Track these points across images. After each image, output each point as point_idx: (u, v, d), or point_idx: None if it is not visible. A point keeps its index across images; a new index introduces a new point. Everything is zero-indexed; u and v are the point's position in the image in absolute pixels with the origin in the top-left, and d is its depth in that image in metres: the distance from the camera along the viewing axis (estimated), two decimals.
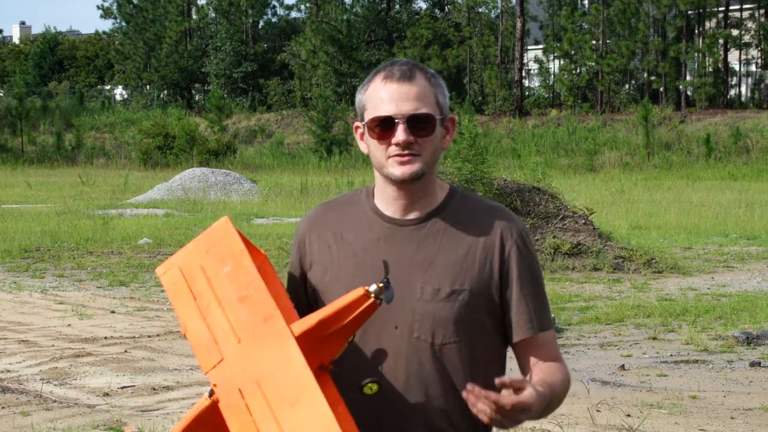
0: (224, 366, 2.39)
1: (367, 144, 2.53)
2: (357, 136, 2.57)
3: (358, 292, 2.35)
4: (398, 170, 2.47)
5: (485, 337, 2.53)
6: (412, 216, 2.54)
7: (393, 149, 2.46)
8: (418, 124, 2.46)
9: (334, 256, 2.57)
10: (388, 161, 2.47)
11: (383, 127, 2.46)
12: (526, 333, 2.53)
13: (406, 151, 2.45)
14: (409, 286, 2.49)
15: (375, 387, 2.45)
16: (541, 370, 2.52)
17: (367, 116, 2.50)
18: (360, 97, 2.54)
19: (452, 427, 2.52)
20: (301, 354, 2.32)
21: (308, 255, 2.62)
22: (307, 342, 2.35)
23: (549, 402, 2.45)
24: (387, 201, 2.56)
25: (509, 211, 2.60)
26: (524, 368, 2.57)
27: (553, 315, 2.73)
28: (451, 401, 2.51)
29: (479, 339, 2.53)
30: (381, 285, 2.36)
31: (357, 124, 2.56)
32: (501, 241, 2.53)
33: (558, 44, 50.85)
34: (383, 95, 2.47)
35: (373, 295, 2.35)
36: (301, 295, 2.62)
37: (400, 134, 2.44)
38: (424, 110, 2.46)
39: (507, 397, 2.30)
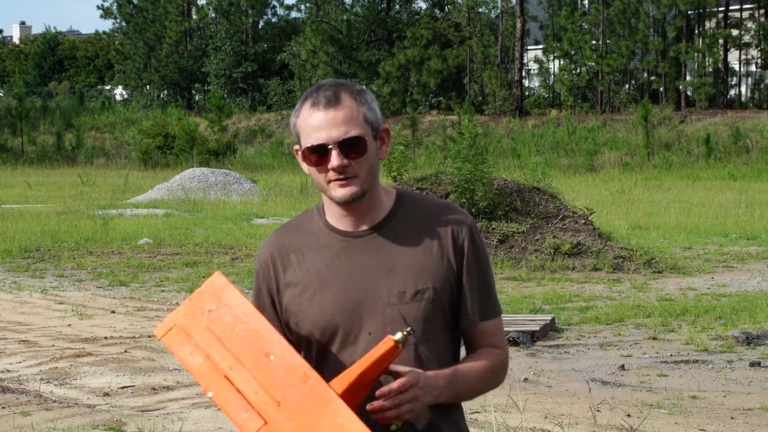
0: (271, 430, 2.39)
1: (307, 168, 2.64)
2: (298, 158, 2.65)
3: (388, 344, 2.44)
4: (339, 192, 2.58)
5: (446, 328, 2.67)
6: (364, 227, 2.65)
7: (332, 174, 2.57)
8: (350, 147, 2.55)
9: (299, 276, 2.67)
10: (329, 185, 2.59)
11: (318, 154, 2.56)
12: (471, 323, 2.67)
13: (342, 175, 2.56)
14: (376, 292, 2.61)
15: (399, 423, 2.52)
16: (473, 355, 2.69)
17: (302, 144, 2.60)
18: (293, 123, 2.63)
19: (431, 428, 2.62)
20: (356, 416, 2.36)
21: (274, 281, 2.71)
22: (346, 397, 2.41)
23: (456, 382, 2.59)
24: (338, 217, 2.66)
25: (458, 207, 2.71)
26: (468, 352, 2.73)
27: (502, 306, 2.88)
28: (426, 415, 2.61)
29: (442, 330, 2.66)
30: (405, 333, 2.46)
31: (296, 147, 2.65)
32: (453, 236, 2.64)
33: (558, 44, 50.84)
34: (313, 123, 2.57)
35: (401, 344, 2.45)
36: (276, 323, 2.68)
37: (334, 159, 2.54)
38: (353, 133, 2.55)
39: (386, 387, 2.47)
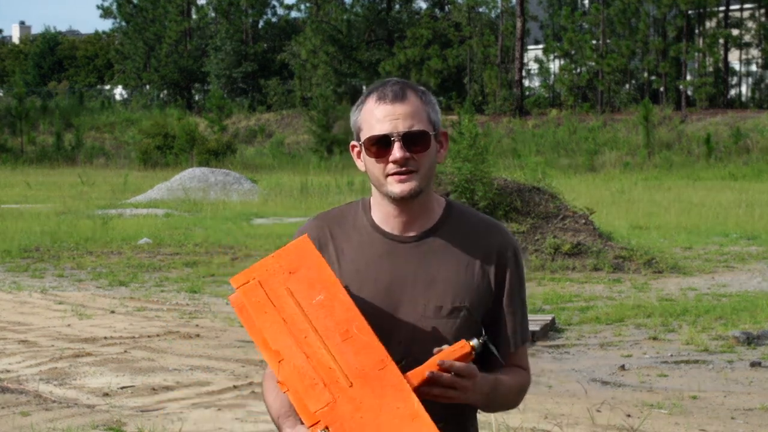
0: (338, 410, 2.32)
1: (364, 162, 2.60)
2: (354, 155, 2.63)
3: (465, 348, 2.41)
4: (397, 188, 2.53)
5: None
6: (412, 233, 2.61)
7: (391, 167, 2.53)
8: (413, 140, 2.53)
9: (337, 272, 2.58)
10: (387, 179, 2.54)
11: (380, 145, 2.54)
12: (509, 346, 2.66)
13: (403, 168, 2.52)
14: (413, 303, 2.56)
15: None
16: (506, 371, 2.65)
17: (363, 136, 2.57)
18: (354, 118, 2.61)
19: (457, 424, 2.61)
20: (425, 412, 2.31)
21: None
22: (418, 393, 2.36)
23: (496, 391, 2.57)
24: (386, 217, 2.61)
25: (505, 228, 2.69)
26: (488, 370, 2.69)
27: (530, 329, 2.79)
28: (439, 411, 2.54)
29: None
30: (482, 341, 2.44)
31: (353, 143, 2.62)
32: (498, 259, 2.62)
33: (558, 44, 50.85)
34: (378, 115, 2.55)
35: (476, 350, 2.42)
36: None
37: (396, 151, 2.51)
38: (417, 127, 2.54)
39: (449, 362, 2.43)
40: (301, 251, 2.47)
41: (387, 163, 2.53)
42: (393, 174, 2.53)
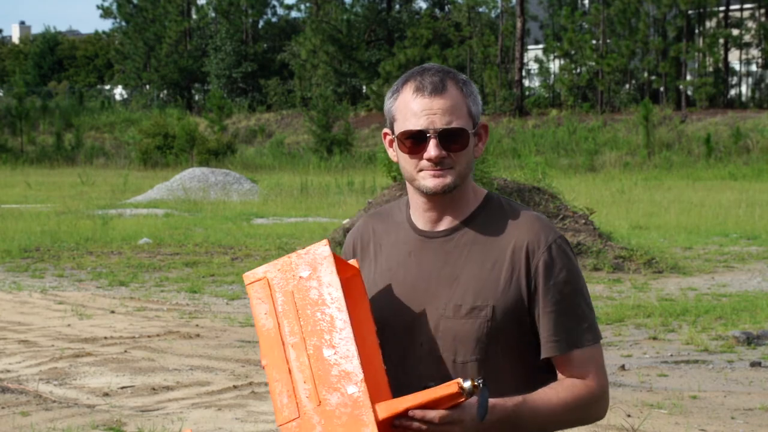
0: (300, 427, 2.30)
1: (397, 155, 2.50)
2: (386, 143, 2.54)
3: (452, 388, 2.25)
4: (430, 182, 2.43)
5: (511, 353, 2.47)
6: (442, 227, 2.50)
7: (425, 163, 2.42)
8: (450, 138, 2.41)
9: (373, 270, 2.56)
10: (420, 174, 2.43)
11: (415, 140, 2.42)
12: (550, 351, 2.46)
13: (438, 167, 2.41)
14: (435, 302, 2.46)
15: None
16: (552, 386, 2.45)
17: (398, 128, 2.45)
18: (389, 105, 2.49)
19: None
20: None
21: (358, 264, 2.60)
22: (385, 424, 2.27)
23: (521, 417, 2.38)
24: (419, 212, 2.52)
25: (544, 219, 2.50)
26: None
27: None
28: None
29: (504, 355, 2.46)
30: (476, 384, 2.25)
31: (386, 130, 2.52)
32: (527, 253, 2.44)
33: (558, 44, 50.85)
34: (414, 108, 2.42)
35: (466, 394, 2.25)
36: None
37: (432, 149, 2.40)
38: (456, 124, 2.41)
39: (420, 412, 2.27)
40: (316, 257, 2.40)
41: (421, 159, 2.42)
42: (427, 170, 2.42)
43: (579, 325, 2.46)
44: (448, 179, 2.41)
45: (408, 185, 2.51)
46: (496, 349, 2.44)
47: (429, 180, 2.42)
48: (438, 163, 2.40)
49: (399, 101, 2.45)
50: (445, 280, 2.46)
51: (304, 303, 2.37)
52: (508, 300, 2.43)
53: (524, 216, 2.49)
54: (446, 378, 2.39)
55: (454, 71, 2.47)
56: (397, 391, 2.38)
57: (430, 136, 2.40)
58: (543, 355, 2.46)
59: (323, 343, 2.33)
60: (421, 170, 2.42)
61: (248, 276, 2.45)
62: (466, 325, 2.43)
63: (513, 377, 2.47)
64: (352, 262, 2.56)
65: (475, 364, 2.44)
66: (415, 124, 2.41)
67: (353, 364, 2.29)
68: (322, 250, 2.41)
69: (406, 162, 2.45)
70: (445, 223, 2.50)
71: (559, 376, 2.48)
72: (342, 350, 2.31)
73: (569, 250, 2.49)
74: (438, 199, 2.46)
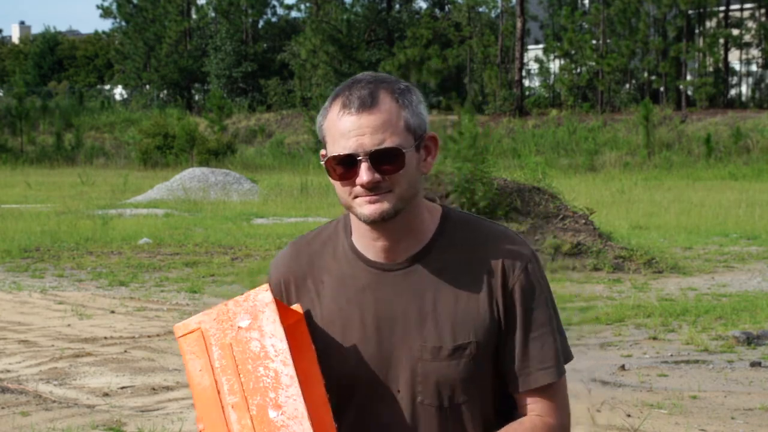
0: None
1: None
2: (322, 163, 2.22)
3: None
4: (367, 210, 2.12)
5: (489, 390, 2.24)
6: (400, 258, 2.19)
7: (359, 189, 2.12)
8: (383, 159, 2.10)
9: (318, 312, 2.23)
10: (355, 201, 2.14)
11: (345, 166, 2.12)
12: (516, 388, 2.24)
13: (372, 193, 2.11)
14: (407, 344, 2.17)
15: None
16: (511, 426, 2.23)
17: (328, 151, 2.16)
18: (320, 124, 2.21)
19: None
20: None
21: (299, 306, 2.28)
22: None
23: None
24: (367, 240, 2.20)
25: (517, 236, 2.24)
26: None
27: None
28: None
29: (489, 392, 2.24)
30: None
31: (322, 152, 2.20)
32: (503, 275, 2.18)
33: (558, 44, 50.86)
34: (341, 128, 2.12)
35: None
36: None
37: (363, 174, 2.09)
38: (389, 143, 2.10)
39: None
40: (256, 304, 2.12)
41: (354, 184, 2.12)
42: (362, 196, 2.12)
43: (548, 356, 2.25)
44: (386, 205, 2.11)
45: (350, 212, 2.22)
46: (481, 388, 2.22)
47: (365, 207, 2.12)
48: (372, 189, 2.11)
49: (328, 120, 2.17)
50: (415, 318, 2.17)
51: (245, 357, 2.10)
52: (489, 331, 2.18)
53: (493, 234, 2.21)
54: (434, 425, 2.19)
55: (392, 79, 2.19)
56: None
57: (360, 160, 2.10)
58: (527, 386, 2.23)
59: (268, 402, 2.07)
60: (356, 197, 2.14)
61: (179, 328, 2.18)
62: (450, 368, 2.17)
63: (502, 413, 2.26)
64: (295, 306, 2.26)
65: (464, 407, 2.21)
66: (344, 146, 2.11)
67: (303, 426, 2.04)
68: (263, 296, 2.13)
69: (339, 189, 2.16)
70: (403, 253, 2.19)
71: (521, 413, 2.25)
72: (290, 410, 2.05)
73: (542, 268, 2.26)
74: (384, 227, 2.16)
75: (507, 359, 2.21)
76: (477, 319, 2.17)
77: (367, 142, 2.10)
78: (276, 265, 2.31)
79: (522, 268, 2.19)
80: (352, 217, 2.22)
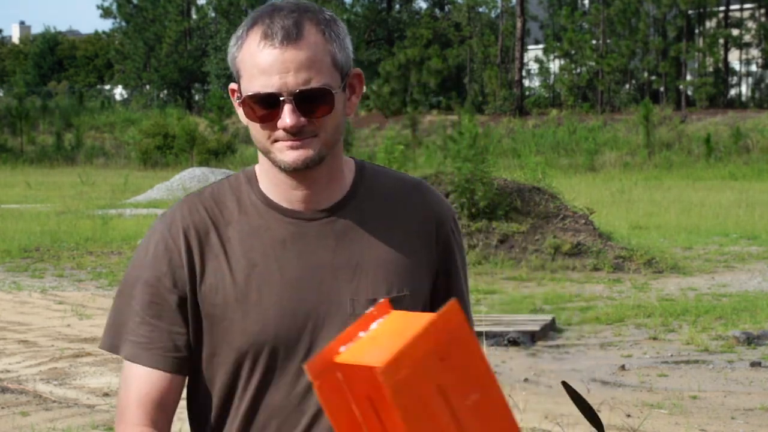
0: None
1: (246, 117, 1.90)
2: (234, 101, 1.92)
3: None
4: (289, 156, 1.85)
5: None
6: (321, 206, 1.95)
7: (280, 133, 1.85)
8: (310, 100, 1.83)
9: (225, 269, 1.92)
10: (275, 146, 1.86)
11: (265, 106, 1.84)
12: None
13: (296, 137, 1.84)
14: (336, 298, 1.92)
15: None
16: None
17: (244, 87, 1.86)
18: (233, 54, 1.88)
19: None
20: None
21: (187, 269, 1.91)
22: None
23: None
24: (282, 190, 1.94)
25: (433, 189, 2.06)
26: None
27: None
28: None
29: None
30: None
31: (233, 86, 1.91)
32: (437, 226, 2.00)
33: (558, 44, 50.86)
34: (262, 62, 1.82)
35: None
36: (180, 335, 1.92)
37: (287, 117, 1.82)
38: (317, 83, 1.83)
39: None
40: (454, 327, 1.44)
41: (275, 128, 1.85)
42: (284, 140, 1.85)
43: (469, 312, 2.10)
44: (311, 151, 1.85)
45: (264, 159, 1.94)
46: None
47: (287, 154, 1.85)
48: (296, 133, 1.83)
49: (244, 51, 1.86)
50: (344, 270, 1.93)
51: (458, 394, 1.45)
52: (421, 282, 1.98)
53: (414, 183, 2.03)
54: None
55: (316, 7, 1.89)
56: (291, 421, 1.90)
57: (283, 100, 1.82)
58: None
59: None
60: (275, 141, 1.86)
61: (386, 369, 1.38)
62: None
63: None
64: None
65: None
66: (264, 84, 1.82)
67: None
68: (453, 313, 1.44)
69: (256, 131, 1.88)
70: (324, 201, 1.94)
71: None
72: None
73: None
74: (306, 175, 1.90)
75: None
76: (410, 270, 1.96)
77: (292, 80, 1.82)
78: (167, 218, 1.95)
79: (453, 223, 2.04)
80: (263, 165, 1.96)
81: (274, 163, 1.88)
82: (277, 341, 1.91)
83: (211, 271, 1.92)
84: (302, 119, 1.83)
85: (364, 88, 1.99)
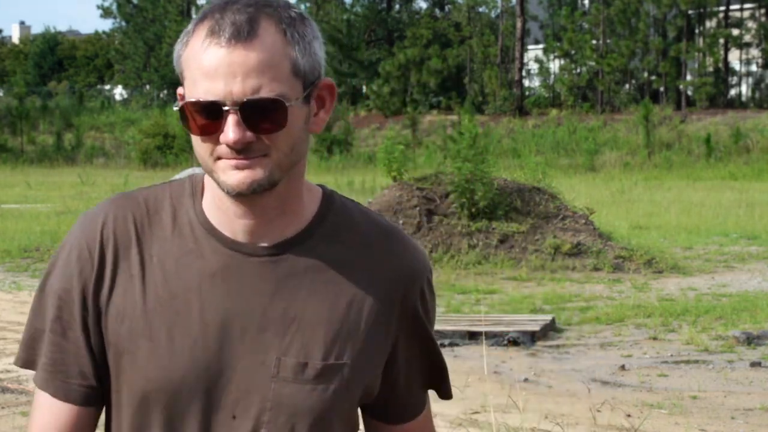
0: None
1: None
2: (174, 108, 1.61)
3: None
4: (232, 178, 1.53)
5: (344, 426, 1.67)
6: (267, 241, 1.60)
7: (223, 150, 1.52)
8: (259, 113, 1.51)
9: (137, 296, 1.59)
10: (217, 164, 1.54)
11: (207, 116, 1.52)
12: (400, 418, 1.76)
13: (241, 155, 1.52)
14: (260, 354, 1.58)
15: None
16: None
17: (187, 91, 1.56)
18: (178, 52, 1.60)
19: None
20: None
21: (93, 281, 1.61)
22: None
23: None
24: (226, 215, 1.60)
25: (410, 238, 1.71)
26: None
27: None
28: None
29: (349, 419, 1.68)
30: None
31: (180, 90, 1.60)
32: (405, 289, 1.65)
33: (558, 44, 50.86)
34: (206, 63, 1.52)
35: None
36: (83, 356, 1.62)
37: (230, 131, 1.50)
38: (267, 92, 1.51)
39: None
40: None
41: (218, 143, 1.52)
42: (229, 159, 1.53)
43: (444, 362, 1.78)
44: (260, 173, 1.53)
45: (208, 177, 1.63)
46: (335, 420, 1.64)
47: (230, 174, 1.53)
48: (241, 151, 1.52)
49: (189, 49, 1.56)
50: (278, 321, 1.58)
51: None
52: (370, 357, 1.63)
53: (387, 230, 1.68)
54: None
55: (281, 2, 1.58)
56: None
57: (227, 111, 1.50)
58: (414, 413, 1.76)
59: None
60: (219, 159, 1.53)
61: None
62: (313, 395, 1.59)
63: None
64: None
65: None
66: (207, 90, 1.51)
67: None
68: None
69: (198, 145, 1.55)
70: (273, 235, 1.60)
71: None
72: None
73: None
74: (255, 201, 1.57)
75: (394, 385, 1.71)
76: (357, 335, 1.61)
77: (238, 88, 1.50)
78: (86, 222, 1.64)
79: (424, 281, 1.68)
80: (209, 180, 1.62)
81: (218, 184, 1.55)
82: (181, 396, 1.58)
83: (121, 292, 1.60)
84: (248, 134, 1.51)
85: (335, 100, 1.66)
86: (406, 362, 1.70)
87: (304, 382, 1.59)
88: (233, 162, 1.52)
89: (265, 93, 1.51)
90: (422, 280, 1.68)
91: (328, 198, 1.66)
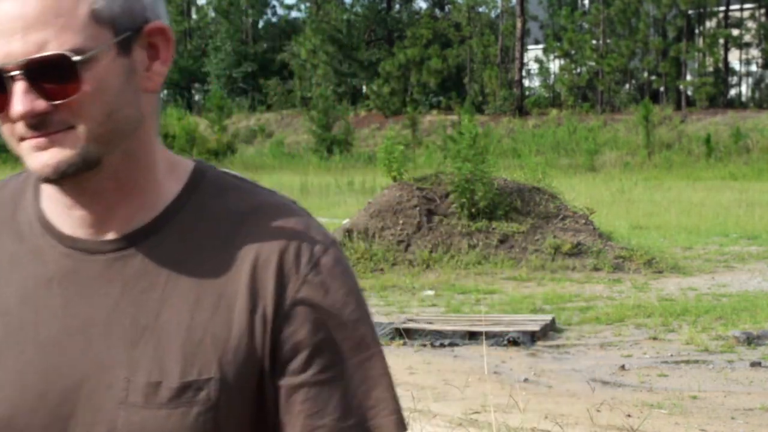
0: None
1: None
2: None
3: None
4: (35, 162, 1.22)
5: None
6: (112, 234, 1.28)
7: (20, 128, 1.21)
8: (46, 75, 1.18)
9: None
10: (21, 146, 1.23)
11: None
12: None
13: (37, 131, 1.20)
14: (105, 373, 1.25)
15: None
16: None
17: None
18: None
19: None
20: None
21: None
22: None
23: None
24: (61, 207, 1.30)
25: (300, 210, 1.34)
26: None
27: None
28: None
29: None
30: None
31: None
32: (279, 277, 1.27)
33: (558, 44, 50.87)
34: None
35: None
36: None
37: (17, 102, 1.18)
38: (53, 48, 1.17)
39: None
40: None
41: (13, 120, 1.21)
42: (29, 138, 1.21)
43: (385, 393, 1.31)
44: (66, 152, 1.20)
45: None
46: None
47: (33, 158, 1.22)
48: (37, 126, 1.20)
49: None
50: (125, 333, 1.25)
51: None
52: (245, 364, 1.26)
53: (264, 203, 1.33)
54: None
55: None
56: None
57: (12, 77, 1.18)
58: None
59: None
60: (22, 139, 1.22)
61: None
62: (171, 420, 1.24)
63: None
64: None
65: None
66: None
67: None
68: None
69: (2, 127, 1.25)
70: (120, 225, 1.28)
71: None
72: None
73: (348, 263, 1.33)
74: (77, 189, 1.26)
75: (300, 410, 1.28)
76: (225, 344, 1.26)
77: (18, 46, 1.17)
78: None
79: (312, 265, 1.28)
80: None
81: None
82: (14, 429, 1.27)
83: None
84: (39, 103, 1.18)
85: (172, 47, 1.28)
86: (315, 370, 1.29)
87: (157, 406, 1.24)
88: (33, 142, 1.20)
89: (51, 49, 1.17)
90: (312, 258, 1.28)
91: (198, 174, 1.32)
